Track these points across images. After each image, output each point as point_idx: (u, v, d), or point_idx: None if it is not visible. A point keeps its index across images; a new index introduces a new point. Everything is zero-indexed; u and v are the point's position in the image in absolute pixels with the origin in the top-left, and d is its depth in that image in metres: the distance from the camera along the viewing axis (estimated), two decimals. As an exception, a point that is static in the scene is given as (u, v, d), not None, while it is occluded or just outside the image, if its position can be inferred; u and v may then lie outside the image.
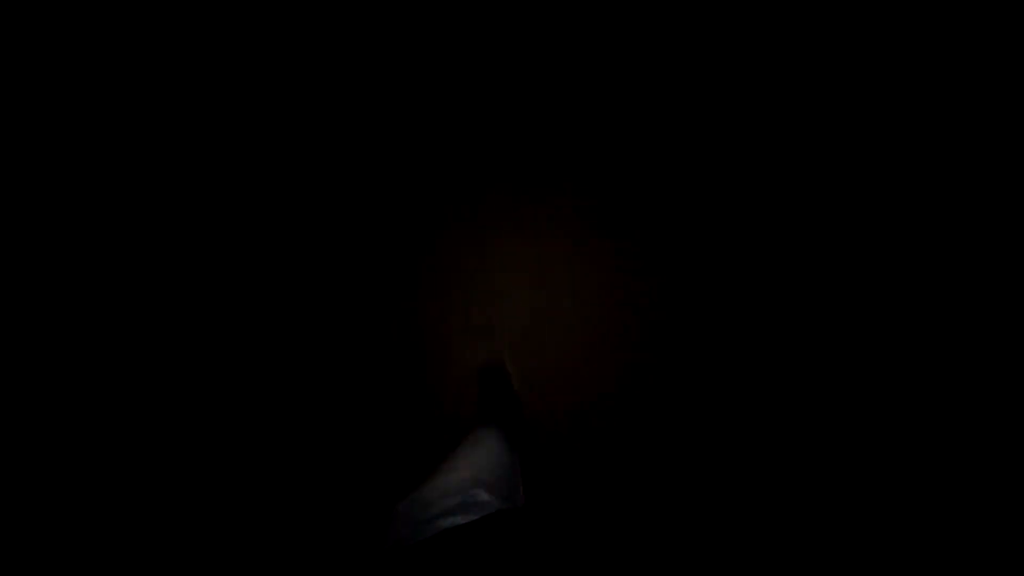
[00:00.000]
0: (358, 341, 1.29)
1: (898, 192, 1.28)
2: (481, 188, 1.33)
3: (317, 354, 1.28)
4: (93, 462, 1.21)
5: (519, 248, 1.32)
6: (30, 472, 1.19)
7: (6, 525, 1.15)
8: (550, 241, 1.32)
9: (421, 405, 1.25)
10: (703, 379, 1.26)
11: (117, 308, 1.27)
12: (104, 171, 1.30)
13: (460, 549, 0.48)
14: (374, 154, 1.35)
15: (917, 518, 1.16)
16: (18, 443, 1.19)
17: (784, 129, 1.31)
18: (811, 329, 1.26)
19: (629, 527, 1.14)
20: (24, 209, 1.26)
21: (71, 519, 1.18)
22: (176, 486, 1.21)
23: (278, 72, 1.34)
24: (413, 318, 1.30)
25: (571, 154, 1.34)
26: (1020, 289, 1.22)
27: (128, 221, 1.29)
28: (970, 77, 1.28)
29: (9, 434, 1.19)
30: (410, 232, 1.33)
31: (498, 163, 1.34)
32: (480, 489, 0.63)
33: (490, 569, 0.46)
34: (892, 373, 1.23)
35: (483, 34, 1.36)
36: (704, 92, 1.33)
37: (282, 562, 1.17)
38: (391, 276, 1.31)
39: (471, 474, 0.66)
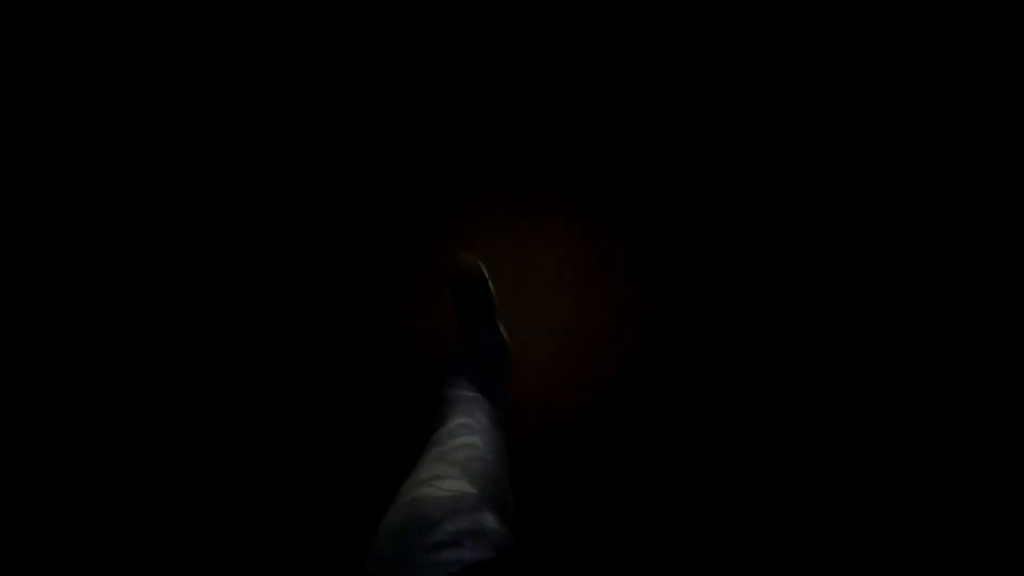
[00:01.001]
0: (352, 339, 1.28)
1: (900, 194, 1.28)
2: (480, 188, 1.33)
3: (310, 352, 1.28)
4: (90, 462, 1.20)
5: (519, 248, 1.31)
6: (30, 472, 1.18)
7: (6, 525, 1.15)
8: (551, 241, 1.31)
9: (417, 406, 1.25)
10: (704, 380, 1.25)
11: (113, 308, 1.26)
12: (100, 170, 1.29)
13: None
14: (370, 152, 1.34)
15: (918, 525, 1.16)
16: (17, 443, 1.19)
17: (788, 130, 1.31)
18: (813, 332, 1.26)
19: (628, 532, 1.14)
20: (23, 209, 1.26)
21: (66, 518, 1.17)
22: (170, 486, 1.20)
23: (272, 69, 1.34)
24: (405, 317, 1.29)
25: (572, 153, 1.33)
26: (1020, 289, 1.22)
27: (124, 221, 1.29)
28: (970, 77, 1.28)
29: (9, 434, 1.19)
30: (406, 231, 1.32)
31: (498, 162, 1.34)
32: (488, 513, 0.59)
33: None
34: (895, 378, 1.23)
35: (478, 30, 1.35)
36: (710, 92, 1.33)
37: (275, 563, 1.17)
38: (385, 274, 1.31)
39: (477, 489, 0.63)
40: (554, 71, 1.35)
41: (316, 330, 1.29)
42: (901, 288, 1.26)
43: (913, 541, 1.15)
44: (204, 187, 1.31)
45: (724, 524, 1.17)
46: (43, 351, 1.23)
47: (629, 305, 1.28)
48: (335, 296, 1.30)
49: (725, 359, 1.26)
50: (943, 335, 1.23)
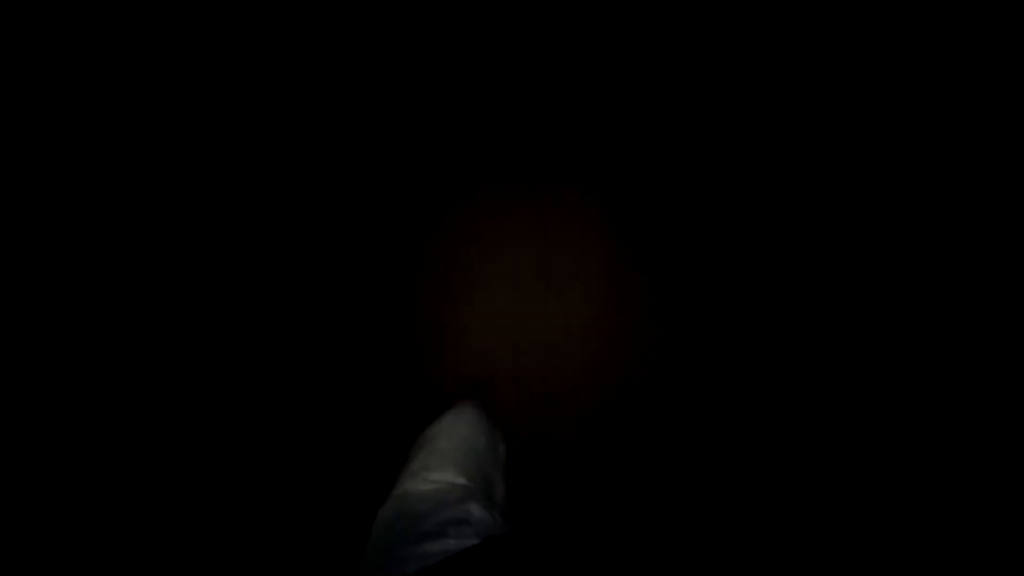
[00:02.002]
0: (351, 339, 1.29)
1: (904, 196, 1.28)
2: (480, 187, 1.33)
3: (309, 352, 1.28)
4: (90, 461, 1.20)
5: (518, 248, 1.31)
6: (25, 472, 1.18)
7: (6, 525, 1.15)
8: (551, 241, 1.31)
9: (414, 406, 1.25)
10: (705, 382, 1.25)
11: (114, 309, 1.26)
12: (99, 170, 1.30)
13: None
14: (369, 151, 1.34)
15: (918, 525, 1.15)
16: (16, 443, 1.19)
17: (795, 131, 1.31)
18: (815, 335, 1.26)
19: (629, 534, 1.13)
20: (23, 209, 1.26)
21: (65, 518, 1.17)
22: (166, 487, 1.20)
23: (267, 67, 1.34)
24: (407, 317, 1.29)
25: (574, 153, 1.33)
26: (1020, 289, 1.21)
27: (124, 221, 1.29)
28: (970, 77, 1.28)
29: (9, 434, 1.19)
30: (404, 231, 1.32)
31: (497, 161, 1.34)
32: (473, 502, 0.60)
33: None
34: (898, 384, 1.23)
35: (478, 26, 1.35)
36: (716, 90, 1.33)
37: (273, 562, 1.17)
38: (385, 275, 1.31)
39: (465, 480, 0.65)
40: (554, 70, 1.35)
41: (308, 328, 1.29)
42: (902, 290, 1.25)
43: (913, 541, 1.14)
44: (204, 187, 1.31)
45: (723, 524, 1.17)
46: (43, 351, 1.23)
47: (628, 305, 1.28)
48: (327, 294, 1.30)
49: (731, 361, 1.25)
50: (943, 337, 1.23)
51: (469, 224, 1.31)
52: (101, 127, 1.30)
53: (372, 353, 1.28)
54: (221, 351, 1.26)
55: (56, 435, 1.20)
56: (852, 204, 1.28)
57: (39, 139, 1.28)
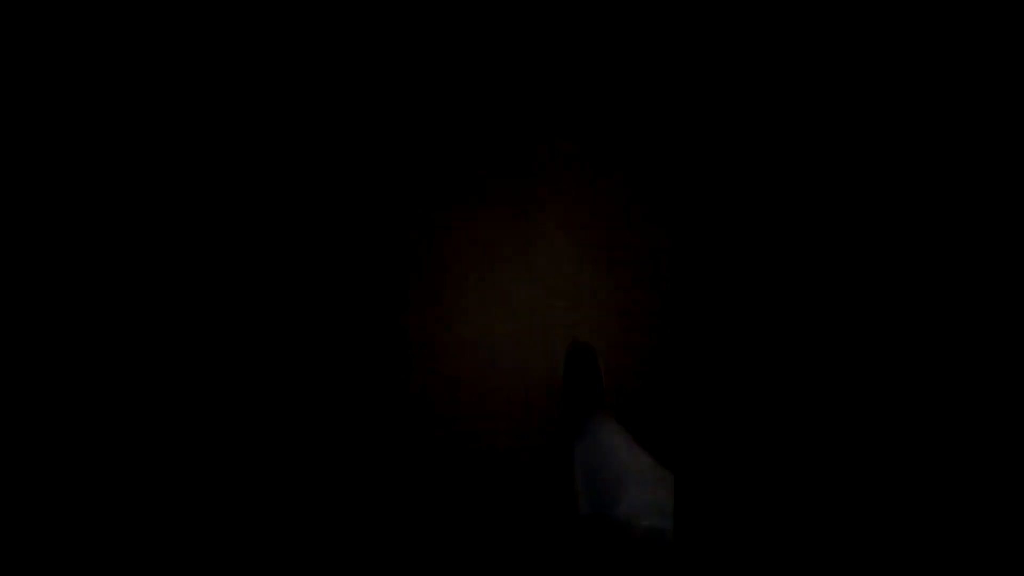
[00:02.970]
0: (346, 341, 1.28)
1: (908, 198, 1.28)
2: (479, 185, 1.33)
3: (303, 355, 1.27)
4: (89, 461, 1.20)
5: (518, 247, 1.31)
6: (29, 472, 1.18)
7: (6, 525, 1.15)
8: (552, 241, 1.31)
9: (412, 407, 1.25)
10: (708, 383, 1.25)
11: (115, 310, 1.26)
12: (99, 170, 1.29)
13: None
14: (367, 148, 1.34)
15: (919, 524, 1.15)
16: (16, 443, 1.19)
17: (802, 131, 1.31)
18: (818, 338, 1.25)
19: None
20: (22, 209, 1.26)
21: (64, 518, 1.17)
22: (163, 489, 1.20)
23: (263, 64, 1.34)
24: (403, 318, 1.29)
25: (577, 148, 1.33)
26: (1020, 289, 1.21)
27: (124, 221, 1.28)
28: (970, 77, 1.28)
29: (9, 434, 1.19)
30: (402, 230, 1.32)
31: (498, 161, 1.34)
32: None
33: None
34: (896, 382, 1.23)
35: (475, 20, 1.35)
36: (717, 90, 1.33)
37: (271, 564, 1.16)
38: (381, 274, 1.31)
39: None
40: (554, 70, 1.35)
41: (302, 330, 1.28)
42: (904, 292, 1.25)
43: (914, 541, 1.14)
44: (203, 187, 1.31)
45: (723, 523, 1.17)
46: (42, 350, 1.23)
47: (628, 307, 1.28)
48: (322, 295, 1.30)
49: (734, 362, 1.25)
50: (943, 337, 1.23)
51: (466, 223, 1.31)
52: (99, 126, 1.30)
53: (365, 355, 1.28)
54: (221, 351, 1.26)
55: (52, 435, 1.20)
56: (853, 205, 1.28)
57: (39, 139, 1.28)
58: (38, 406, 1.21)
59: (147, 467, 1.21)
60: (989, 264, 0.59)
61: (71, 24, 1.30)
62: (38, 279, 1.25)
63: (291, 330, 1.27)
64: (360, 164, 1.33)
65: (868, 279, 0.56)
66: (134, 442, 1.21)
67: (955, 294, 0.57)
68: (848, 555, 0.59)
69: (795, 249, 0.58)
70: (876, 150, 0.57)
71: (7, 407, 1.20)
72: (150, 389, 1.23)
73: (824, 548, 0.58)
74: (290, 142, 1.32)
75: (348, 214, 1.32)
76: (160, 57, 1.31)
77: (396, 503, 1.22)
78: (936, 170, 0.57)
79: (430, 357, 1.27)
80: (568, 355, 1.07)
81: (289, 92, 1.33)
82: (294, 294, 1.28)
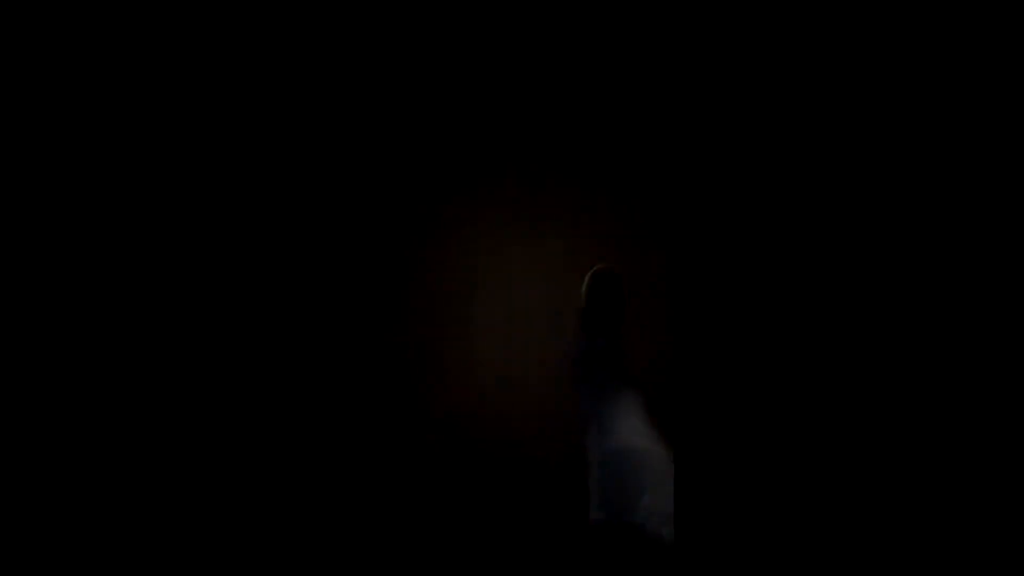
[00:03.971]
0: (347, 340, 1.28)
1: (912, 200, 1.28)
2: (479, 186, 1.33)
3: (306, 354, 1.27)
4: (89, 461, 1.20)
5: (518, 247, 1.31)
6: (29, 472, 1.18)
7: (6, 525, 1.15)
8: (553, 241, 1.31)
9: (411, 406, 1.25)
10: (710, 384, 1.25)
11: (116, 311, 1.26)
12: (99, 169, 1.29)
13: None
14: (367, 148, 1.34)
15: (919, 525, 1.15)
16: (15, 443, 1.19)
17: (787, 129, 1.31)
18: (820, 340, 1.26)
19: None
20: (21, 209, 1.26)
21: (64, 518, 1.17)
22: (162, 490, 1.20)
23: (261, 64, 1.34)
24: (404, 316, 1.29)
25: (578, 150, 1.33)
26: (1020, 289, 1.21)
27: (125, 222, 1.28)
28: (970, 77, 1.28)
29: (9, 434, 1.19)
30: (402, 229, 1.32)
31: (498, 160, 1.34)
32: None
33: None
34: (897, 386, 1.23)
35: (476, 22, 1.35)
36: (716, 91, 1.33)
37: (273, 564, 1.16)
38: (381, 273, 1.31)
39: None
40: (556, 64, 1.34)
41: (305, 329, 1.28)
42: (905, 295, 1.25)
43: (914, 541, 1.14)
44: (203, 188, 1.31)
45: (723, 524, 1.17)
46: (42, 350, 1.23)
47: (628, 313, 1.28)
48: (322, 294, 1.30)
49: (736, 363, 1.25)
50: (945, 343, 1.23)
51: (466, 223, 1.31)
52: (96, 125, 1.30)
53: (365, 354, 1.28)
54: (210, 352, 1.26)
55: (53, 434, 1.20)
56: (853, 206, 1.28)
57: (39, 139, 1.28)
58: (42, 406, 1.21)
59: (149, 468, 1.21)
60: (989, 264, 0.59)
61: (71, 24, 1.30)
62: (41, 280, 1.25)
63: (293, 331, 1.27)
64: (360, 165, 1.33)
65: (863, 284, 0.57)
66: (138, 445, 1.21)
67: (956, 295, 0.57)
68: (848, 555, 0.59)
69: (790, 258, 0.58)
70: (867, 165, 0.58)
71: (10, 407, 1.20)
72: (153, 390, 1.23)
73: (824, 548, 0.59)
74: (299, 156, 1.32)
75: (348, 215, 1.32)
76: (160, 57, 1.31)
77: (402, 505, 1.22)
78: (930, 176, 0.57)
79: (433, 361, 1.27)
80: (592, 277, 1.09)
81: (295, 103, 1.33)
82: (295, 296, 1.28)
